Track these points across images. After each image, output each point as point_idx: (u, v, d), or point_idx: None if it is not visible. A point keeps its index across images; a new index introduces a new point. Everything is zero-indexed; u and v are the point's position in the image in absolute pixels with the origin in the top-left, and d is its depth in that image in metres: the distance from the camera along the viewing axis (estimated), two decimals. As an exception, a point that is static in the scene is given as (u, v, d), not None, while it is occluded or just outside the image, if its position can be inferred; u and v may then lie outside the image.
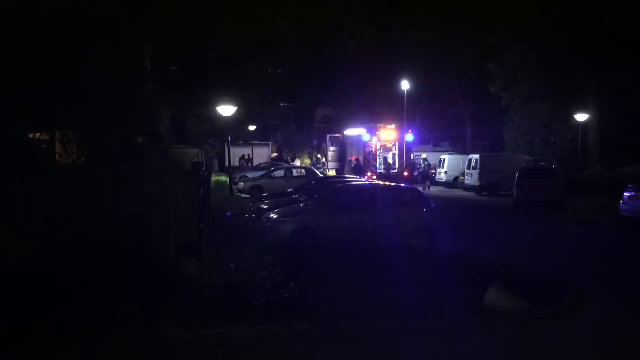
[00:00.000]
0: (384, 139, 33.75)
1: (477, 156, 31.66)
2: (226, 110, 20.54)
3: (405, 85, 36.14)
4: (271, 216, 14.05)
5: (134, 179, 8.87)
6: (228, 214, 14.25)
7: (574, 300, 9.38)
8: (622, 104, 31.71)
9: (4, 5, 10.98)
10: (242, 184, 27.87)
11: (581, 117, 31.71)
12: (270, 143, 45.91)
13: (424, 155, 36.16)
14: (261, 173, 30.27)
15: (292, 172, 29.12)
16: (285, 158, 45.24)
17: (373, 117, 37.20)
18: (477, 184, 30.66)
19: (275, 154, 45.48)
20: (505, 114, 38.77)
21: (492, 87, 37.95)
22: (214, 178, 25.35)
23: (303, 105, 52.41)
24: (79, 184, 8.70)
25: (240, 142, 38.43)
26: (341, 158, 37.37)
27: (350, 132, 36.17)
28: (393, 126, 34.06)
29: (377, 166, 33.35)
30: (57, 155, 12.71)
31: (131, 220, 8.36)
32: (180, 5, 18.21)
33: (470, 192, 31.43)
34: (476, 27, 37.37)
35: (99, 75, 12.04)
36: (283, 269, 8.54)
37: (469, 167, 31.87)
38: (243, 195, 25.24)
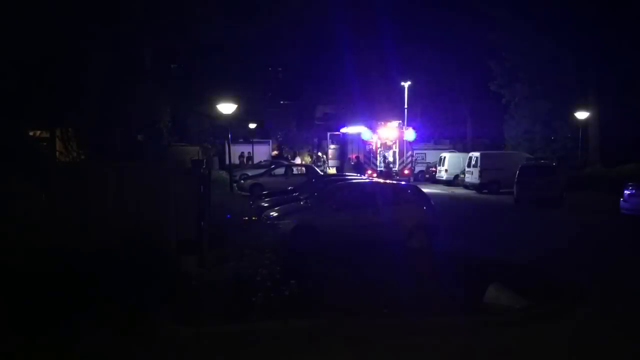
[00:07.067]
0: (384, 137, 33.70)
1: (477, 154, 31.65)
2: (226, 107, 20.50)
3: (405, 82, 36.07)
4: (271, 214, 14.04)
5: (134, 176, 8.86)
6: (228, 216, 14.17)
7: (573, 298, 9.39)
8: (623, 101, 31.63)
9: (6, 4, 10.97)
10: (242, 181, 27.88)
11: (581, 115, 31.67)
12: (271, 141, 45.94)
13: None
14: (261, 171, 30.25)
15: (292, 170, 29.09)
16: (286, 156, 45.26)
17: (373, 115, 37.16)
18: (477, 181, 30.66)
19: (275, 152, 45.48)
20: (506, 111, 38.71)
21: (492, 85, 37.89)
22: (214, 175, 25.33)
23: (303, 102, 52.46)
24: (78, 181, 8.69)
25: (241, 140, 38.45)
26: (341, 156, 37.31)
27: (351, 129, 36.11)
28: (393, 123, 34.00)
29: (377, 164, 33.31)
30: (57, 153, 12.70)
31: (131, 218, 8.36)
32: (179, 4, 18.17)
33: (471, 189, 31.42)
34: (476, 24, 37.28)
35: (100, 74, 12.03)
36: (283, 267, 8.54)
37: (469, 165, 31.86)
38: (243, 193, 25.24)
